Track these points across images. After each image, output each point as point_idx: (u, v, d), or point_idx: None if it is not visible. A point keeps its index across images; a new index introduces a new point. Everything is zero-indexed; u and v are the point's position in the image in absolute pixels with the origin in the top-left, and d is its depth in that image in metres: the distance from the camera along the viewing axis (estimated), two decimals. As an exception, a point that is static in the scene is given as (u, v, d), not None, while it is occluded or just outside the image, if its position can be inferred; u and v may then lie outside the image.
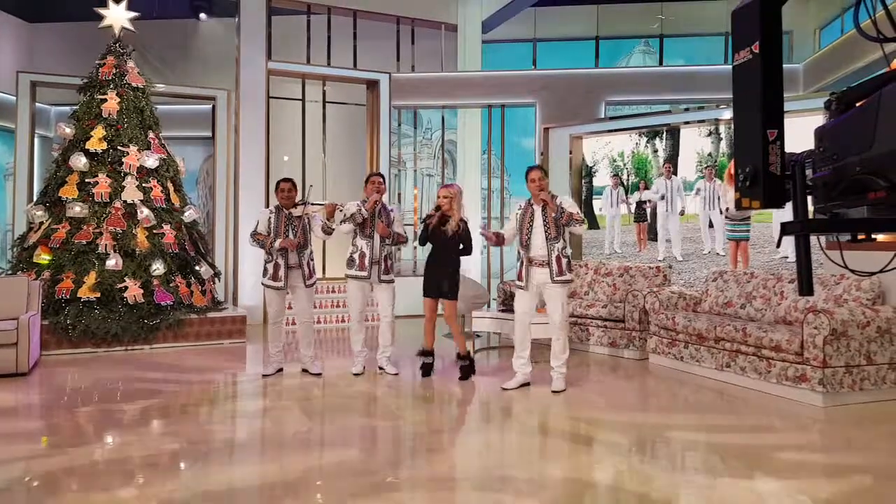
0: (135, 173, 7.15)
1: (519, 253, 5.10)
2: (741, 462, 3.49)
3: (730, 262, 6.70)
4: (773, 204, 1.54)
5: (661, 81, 9.91)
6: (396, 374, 5.53)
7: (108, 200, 6.96)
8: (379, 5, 10.13)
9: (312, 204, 5.77)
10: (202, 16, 10.66)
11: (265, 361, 5.94)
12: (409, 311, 8.35)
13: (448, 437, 4.06)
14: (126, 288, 6.65)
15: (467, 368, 5.42)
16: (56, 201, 6.99)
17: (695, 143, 7.06)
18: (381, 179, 5.54)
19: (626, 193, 7.64)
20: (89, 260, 6.68)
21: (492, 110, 10.28)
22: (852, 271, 1.66)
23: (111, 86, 7.32)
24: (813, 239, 1.61)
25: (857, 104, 1.51)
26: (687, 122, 7.22)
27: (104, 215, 6.88)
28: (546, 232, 4.88)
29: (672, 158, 7.24)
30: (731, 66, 1.63)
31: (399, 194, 11.17)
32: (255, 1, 8.94)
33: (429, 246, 5.50)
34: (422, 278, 5.50)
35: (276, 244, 5.36)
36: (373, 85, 9.86)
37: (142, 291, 6.72)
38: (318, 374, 5.53)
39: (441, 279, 5.34)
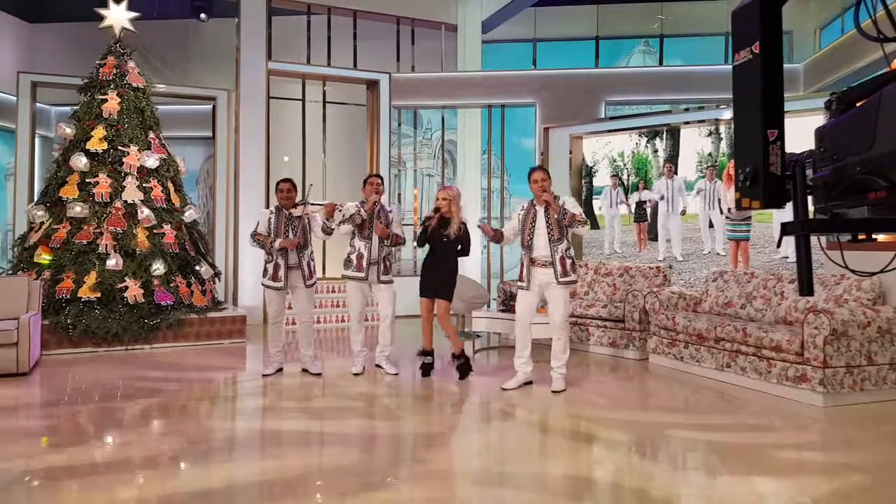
0: (135, 173, 7.15)
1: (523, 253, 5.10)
2: (741, 461, 3.49)
3: (730, 262, 6.70)
4: (774, 204, 1.54)
5: (661, 81, 9.90)
6: (396, 374, 5.53)
7: (109, 200, 6.96)
8: (379, 5, 10.13)
9: (312, 204, 5.77)
10: (202, 16, 10.66)
11: (265, 361, 5.94)
12: (409, 312, 8.33)
13: (448, 436, 4.06)
14: (126, 288, 6.66)
15: (463, 366, 5.41)
16: (57, 201, 7.00)
17: (695, 143, 7.06)
18: (380, 181, 5.55)
19: (626, 194, 7.64)
20: (90, 260, 6.69)
21: (492, 110, 10.28)
22: (853, 271, 1.66)
23: (112, 86, 7.32)
24: (813, 239, 1.61)
25: (858, 104, 1.51)
26: (687, 122, 7.22)
27: (105, 215, 6.89)
28: (549, 233, 4.88)
29: (672, 158, 7.24)
30: (731, 66, 1.63)
31: (399, 194, 11.16)
32: (256, 1, 8.94)
33: (428, 246, 5.51)
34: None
35: (276, 244, 5.36)
36: (373, 85, 9.87)
37: (142, 291, 6.72)
38: (318, 374, 5.54)
39: (437, 279, 5.35)
